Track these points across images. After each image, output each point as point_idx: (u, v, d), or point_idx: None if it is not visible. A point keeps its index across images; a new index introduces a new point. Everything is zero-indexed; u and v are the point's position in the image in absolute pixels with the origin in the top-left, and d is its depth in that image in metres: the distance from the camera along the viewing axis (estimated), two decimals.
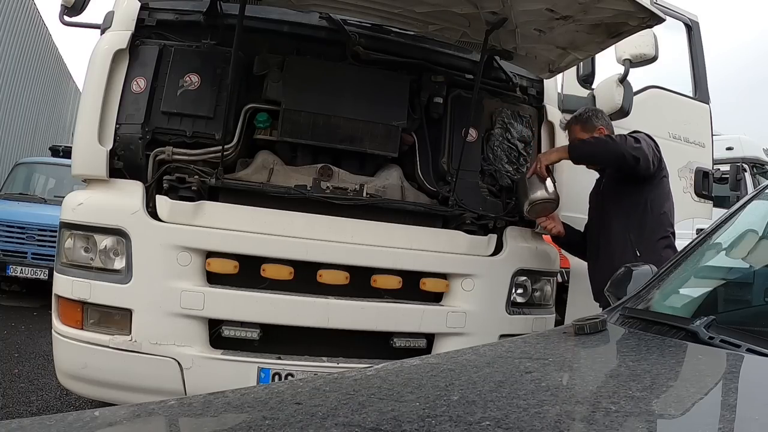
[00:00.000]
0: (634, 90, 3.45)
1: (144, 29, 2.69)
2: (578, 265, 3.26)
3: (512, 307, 2.89)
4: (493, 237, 2.91)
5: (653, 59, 3.14)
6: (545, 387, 1.20)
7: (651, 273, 1.85)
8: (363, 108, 2.77)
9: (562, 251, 3.37)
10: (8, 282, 7.12)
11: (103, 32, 2.72)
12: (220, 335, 2.55)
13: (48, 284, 5.36)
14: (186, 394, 2.43)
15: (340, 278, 2.60)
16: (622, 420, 0.96)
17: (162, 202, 2.54)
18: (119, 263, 2.51)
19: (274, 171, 2.75)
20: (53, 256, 2.97)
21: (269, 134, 2.80)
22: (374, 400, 1.10)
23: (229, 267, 2.53)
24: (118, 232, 2.50)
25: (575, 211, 3.11)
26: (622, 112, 3.33)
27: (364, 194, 2.72)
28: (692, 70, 4.20)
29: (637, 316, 1.62)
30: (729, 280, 1.91)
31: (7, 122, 11.65)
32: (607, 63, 3.41)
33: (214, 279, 2.56)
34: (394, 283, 2.67)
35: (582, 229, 3.08)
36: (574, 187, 3.07)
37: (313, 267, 2.60)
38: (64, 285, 2.53)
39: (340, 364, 2.58)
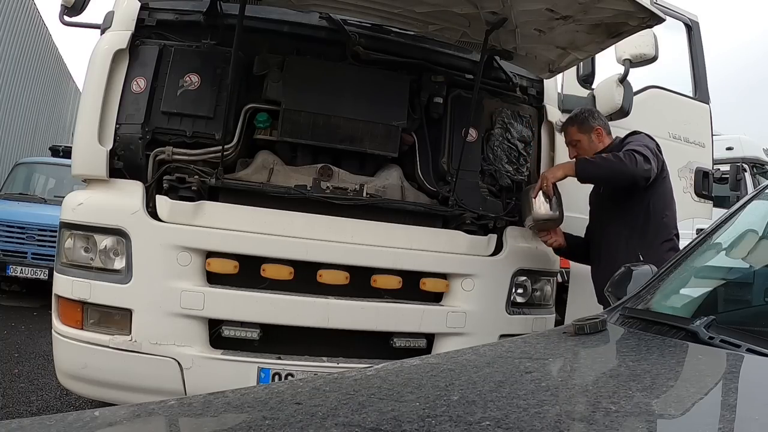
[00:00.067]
0: (634, 90, 3.44)
1: (144, 29, 2.69)
2: (578, 265, 3.26)
3: (512, 307, 2.89)
4: (493, 237, 2.91)
5: (653, 59, 3.14)
6: (545, 387, 1.20)
7: (651, 273, 1.85)
8: (363, 108, 2.77)
9: None
10: (8, 282, 7.12)
11: (103, 32, 2.72)
12: (220, 335, 2.55)
13: (48, 284, 5.36)
14: (186, 394, 2.43)
15: (340, 278, 2.60)
16: (622, 420, 0.96)
17: (162, 202, 2.54)
18: (119, 263, 2.51)
19: (274, 171, 2.75)
20: (53, 256, 2.97)
21: (269, 134, 2.80)
22: (374, 400, 1.10)
23: (229, 267, 2.53)
24: (118, 232, 2.50)
25: (575, 212, 3.10)
26: (622, 112, 3.33)
27: (364, 194, 2.72)
28: (692, 70, 4.20)
29: (637, 316, 1.62)
30: (729, 280, 1.91)
31: (7, 122, 11.65)
32: (607, 63, 3.41)
33: (214, 279, 2.56)
34: (394, 283, 2.67)
35: (583, 232, 3.07)
36: (574, 187, 3.06)
37: (313, 267, 2.60)
38: (64, 285, 2.53)
39: (340, 364, 2.58)
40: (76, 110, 5.06)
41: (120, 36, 2.62)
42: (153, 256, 2.49)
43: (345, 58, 2.85)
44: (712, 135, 4.27)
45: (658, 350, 1.38)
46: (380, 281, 2.66)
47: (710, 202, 4.11)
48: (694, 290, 1.85)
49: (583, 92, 3.61)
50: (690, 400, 1.11)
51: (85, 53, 2.82)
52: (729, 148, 7.99)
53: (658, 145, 2.80)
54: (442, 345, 2.72)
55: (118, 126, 2.59)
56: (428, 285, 2.74)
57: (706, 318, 1.40)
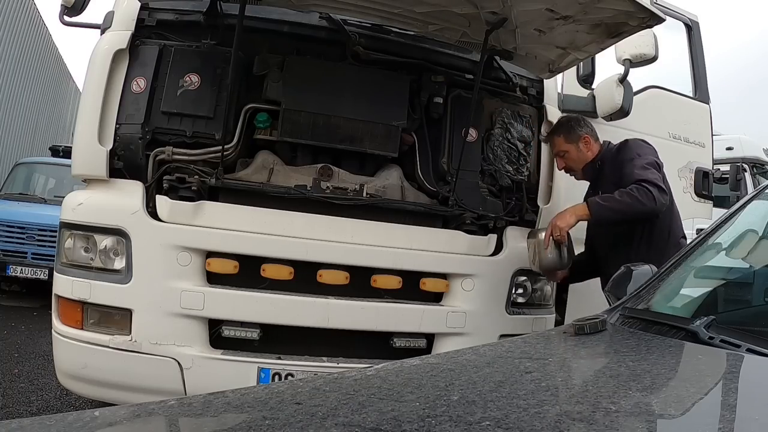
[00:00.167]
0: (634, 90, 3.44)
1: (144, 29, 2.69)
2: None
3: (512, 307, 2.89)
4: (493, 237, 2.91)
5: (653, 59, 3.14)
6: (545, 387, 1.20)
7: (651, 273, 1.85)
8: (363, 108, 2.77)
9: None
10: (8, 282, 7.12)
11: (103, 32, 2.72)
12: (220, 335, 2.55)
13: (48, 284, 5.36)
14: (186, 394, 2.43)
15: (340, 278, 2.60)
16: (622, 420, 0.96)
17: (162, 202, 2.54)
18: (119, 263, 2.51)
19: (274, 171, 2.75)
20: (53, 256, 2.97)
21: (269, 134, 2.79)
22: (374, 400, 1.10)
23: (229, 267, 2.53)
24: (118, 232, 2.50)
25: None
26: (622, 112, 3.33)
27: (364, 194, 2.72)
28: (692, 70, 4.20)
29: (637, 316, 1.62)
30: (729, 280, 1.91)
31: (7, 122, 11.66)
32: (607, 63, 3.41)
33: (214, 279, 2.56)
34: (394, 283, 2.67)
35: (583, 232, 3.05)
36: (574, 189, 3.06)
37: (313, 267, 2.60)
38: (64, 285, 2.53)
39: (340, 364, 2.58)
40: (76, 110, 5.06)
41: (120, 36, 2.62)
42: (153, 256, 2.49)
43: (345, 58, 2.85)
44: (712, 135, 4.27)
45: (658, 350, 1.39)
46: (380, 281, 2.66)
47: (710, 202, 4.11)
48: (694, 290, 1.85)
49: (583, 92, 3.61)
50: (690, 400, 1.11)
51: (85, 53, 2.82)
52: (729, 148, 7.99)
53: (655, 151, 2.73)
54: (442, 345, 2.72)
55: (118, 126, 2.59)
56: (428, 285, 2.74)
57: (706, 318, 1.40)
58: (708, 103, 4.17)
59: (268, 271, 2.55)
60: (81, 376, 2.52)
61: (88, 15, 3.01)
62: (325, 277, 2.59)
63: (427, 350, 2.74)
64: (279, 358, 2.56)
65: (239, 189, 2.63)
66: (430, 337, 2.76)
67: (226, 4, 2.70)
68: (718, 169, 6.69)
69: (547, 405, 1.06)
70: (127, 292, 2.47)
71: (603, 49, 2.68)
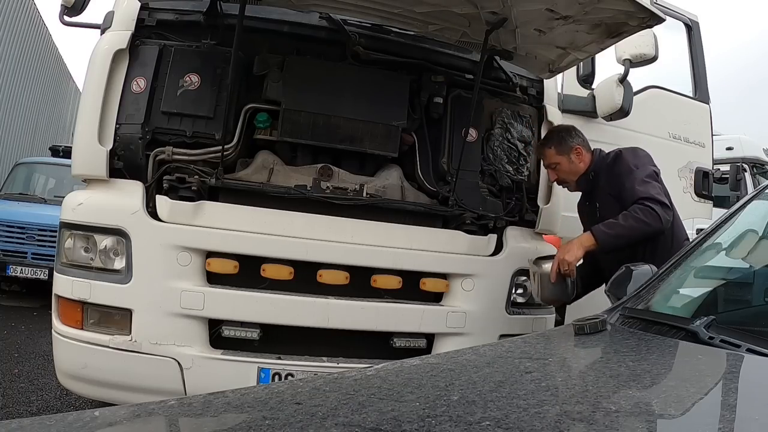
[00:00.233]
0: (634, 90, 3.45)
1: (144, 29, 2.69)
2: None
3: (512, 307, 2.89)
4: (493, 237, 2.90)
5: (653, 59, 3.14)
6: (545, 387, 1.20)
7: (651, 273, 1.85)
8: (363, 108, 2.77)
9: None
10: (8, 282, 7.12)
11: (103, 32, 2.72)
12: (220, 335, 2.55)
13: (48, 284, 5.36)
14: (186, 394, 2.43)
15: (340, 278, 2.59)
16: (622, 420, 0.96)
17: (162, 202, 2.54)
18: (119, 263, 2.51)
19: (274, 171, 2.75)
20: (53, 256, 2.96)
21: (269, 134, 2.80)
22: (374, 400, 1.10)
23: (229, 267, 2.53)
24: (118, 232, 2.50)
25: (576, 211, 3.09)
26: (622, 112, 3.33)
27: (364, 194, 2.72)
28: (692, 70, 4.21)
29: (637, 316, 1.62)
30: (729, 280, 1.91)
31: (7, 122, 11.66)
32: (607, 63, 3.41)
33: (214, 279, 2.56)
34: (394, 283, 2.67)
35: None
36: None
37: (313, 267, 2.60)
38: (64, 285, 2.53)
39: (340, 364, 2.58)
40: (76, 110, 5.07)
41: (120, 36, 2.62)
42: (153, 256, 2.48)
43: (345, 58, 2.85)
44: (712, 135, 4.28)
45: (658, 350, 1.39)
46: (380, 281, 2.66)
47: (710, 202, 4.12)
48: (694, 290, 1.85)
49: (583, 92, 3.62)
50: (690, 400, 1.11)
51: (85, 53, 2.82)
52: (729, 148, 8.00)
53: (650, 158, 2.66)
54: (442, 345, 2.72)
55: (118, 126, 2.59)
56: (428, 285, 2.74)
57: (706, 318, 1.40)
58: (708, 103, 4.18)
59: (268, 271, 2.55)
60: (81, 376, 2.52)
61: (88, 15, 3.03)
62: (325, 277, 2.59)
63: (427, 350, 2.74)
64: (279, 358, 2.56)
65: (239, 189, 2.63)
66: (430, 337, 2.76)
67: (226, 4, 2.70)
68: (718, 169, 6.69)
69: (547, 405, 1.06)
70: (127, 292, 2.46)
71: (603, 49, 2.68)
